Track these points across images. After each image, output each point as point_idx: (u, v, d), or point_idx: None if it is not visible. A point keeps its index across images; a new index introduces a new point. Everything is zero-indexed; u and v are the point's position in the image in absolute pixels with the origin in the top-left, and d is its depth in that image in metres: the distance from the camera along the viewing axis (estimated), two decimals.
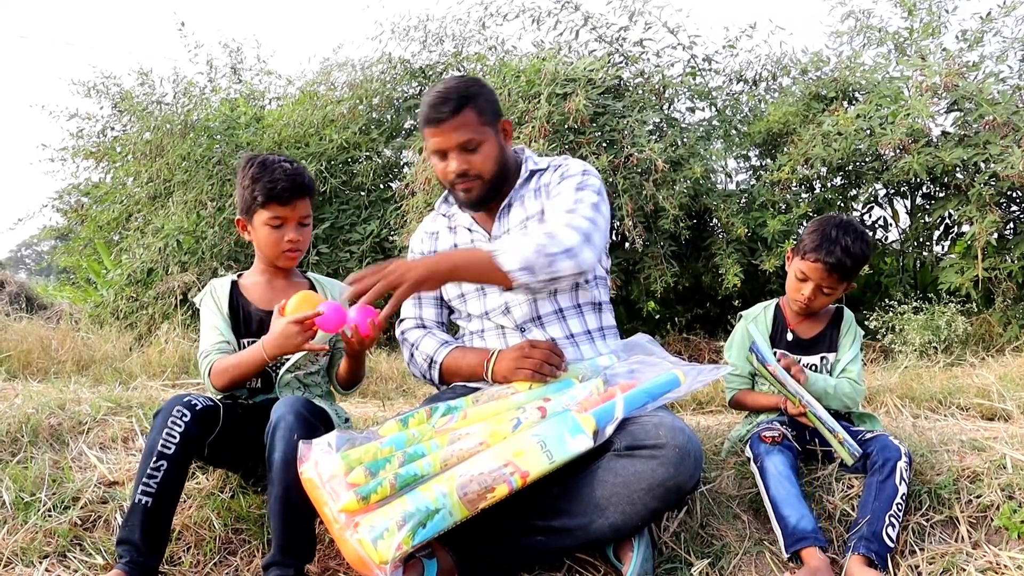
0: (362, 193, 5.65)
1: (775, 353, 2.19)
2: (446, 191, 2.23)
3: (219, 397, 2.01)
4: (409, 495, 1.61)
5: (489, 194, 2.10)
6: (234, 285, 2.17)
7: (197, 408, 1.86)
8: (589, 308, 2.17)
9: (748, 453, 2.11)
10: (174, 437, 1.81)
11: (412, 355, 2.22)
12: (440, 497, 1.61)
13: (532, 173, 2.19)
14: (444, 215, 2.27)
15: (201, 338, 2.13)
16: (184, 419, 1.83)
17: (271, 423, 1.81)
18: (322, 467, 1.64)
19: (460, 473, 1.65)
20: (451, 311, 2.28)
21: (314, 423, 1.83)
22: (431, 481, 1.65)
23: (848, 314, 2.29)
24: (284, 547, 1.74)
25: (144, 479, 1.78)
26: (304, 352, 2.00)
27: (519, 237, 1.96)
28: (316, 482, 1.63)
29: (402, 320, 2.29)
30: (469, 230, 2.19)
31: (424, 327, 2.24)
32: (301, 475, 1.67)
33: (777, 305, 2.32)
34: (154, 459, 1.79)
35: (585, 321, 2.15)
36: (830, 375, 2.24)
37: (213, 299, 2.13)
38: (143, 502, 1.77)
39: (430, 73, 6.00)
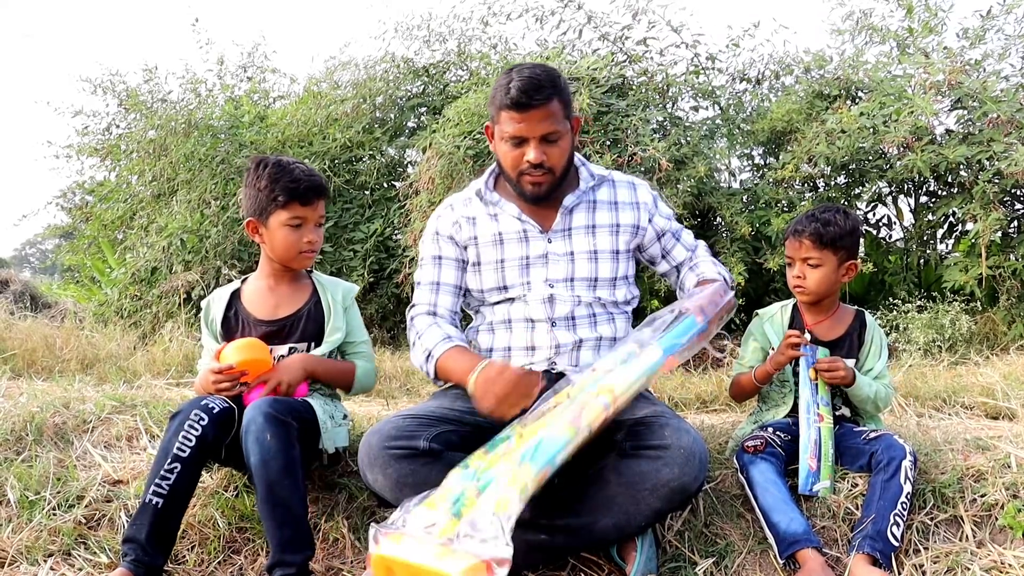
0: (366, 192, 5.65)
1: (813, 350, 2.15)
2: (488, 177, 2.18)
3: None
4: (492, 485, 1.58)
5: (554, 189, 2.08)
6: (234, 295, 2.16)
7: (215, 411, 1.88)
8: (622, 315, 2.17)
9: (735, 464, 2.12)
10: (190, 440, 1.82)
11: (414, 343, 2.14)
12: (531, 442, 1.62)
13: (602, 180, 2.19)
14: (483, 200, 2.16)
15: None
16: (202, 423, 1.84)
17: (243, 429, 1.81)
18: (410, 526, 1.53)
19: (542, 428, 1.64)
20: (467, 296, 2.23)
21: (284, 419, 1.83)
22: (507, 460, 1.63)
23: (871, 319, 2.27)
24: (282, 545, 1.75)
25: (156, 480, 1.79)
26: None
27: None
28: (405, 554, 1.49)
29: (414, 305, 2.19)
30: (519, 219, 2.12)
31: (434, 314, 2.14)
32: (376, 558, 1.51)
33: (794, 306, 2.29)
34: (168, 461, 1.80)
35: (616, 328, 2.12)
36: None
37: (206, 317, 2.15)
38: (153, 502, 1.78)
39: (433, 72, 6.00)
